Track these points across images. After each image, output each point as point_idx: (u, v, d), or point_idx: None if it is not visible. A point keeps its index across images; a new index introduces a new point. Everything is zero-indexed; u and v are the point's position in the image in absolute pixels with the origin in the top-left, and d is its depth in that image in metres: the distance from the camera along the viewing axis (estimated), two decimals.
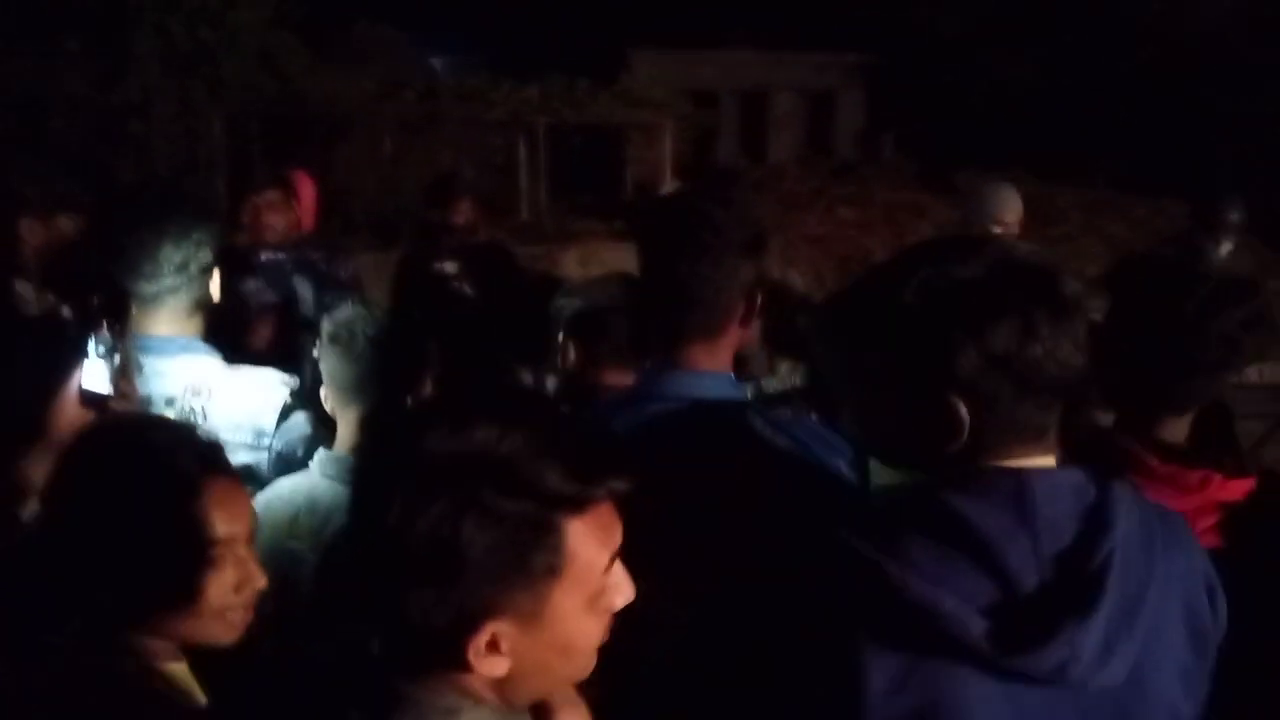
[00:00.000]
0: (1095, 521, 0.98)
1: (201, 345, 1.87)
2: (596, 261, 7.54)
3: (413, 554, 0.80)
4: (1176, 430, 1.48)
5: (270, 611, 1.59)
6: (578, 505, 0.84)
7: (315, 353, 3.21)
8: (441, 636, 0.82)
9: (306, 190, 3.60)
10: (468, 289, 4.73)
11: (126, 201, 2.08)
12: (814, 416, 1.50)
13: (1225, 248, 4.52)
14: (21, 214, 2.22)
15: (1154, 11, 8.90)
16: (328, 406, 1.87)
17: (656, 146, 9.90)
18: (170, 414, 1.78)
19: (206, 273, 1.85)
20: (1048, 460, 1.03)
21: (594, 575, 0.86)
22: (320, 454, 1.78)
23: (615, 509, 0.89)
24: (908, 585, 0.92)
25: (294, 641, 1.56)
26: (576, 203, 10.07)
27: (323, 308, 2.78)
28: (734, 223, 1.43)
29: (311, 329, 3.40)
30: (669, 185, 3.25)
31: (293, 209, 3.46)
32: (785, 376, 3.11)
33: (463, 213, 4.68)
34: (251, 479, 1.82)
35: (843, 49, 14.49)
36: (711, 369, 1.48)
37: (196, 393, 1.80)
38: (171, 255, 1.78)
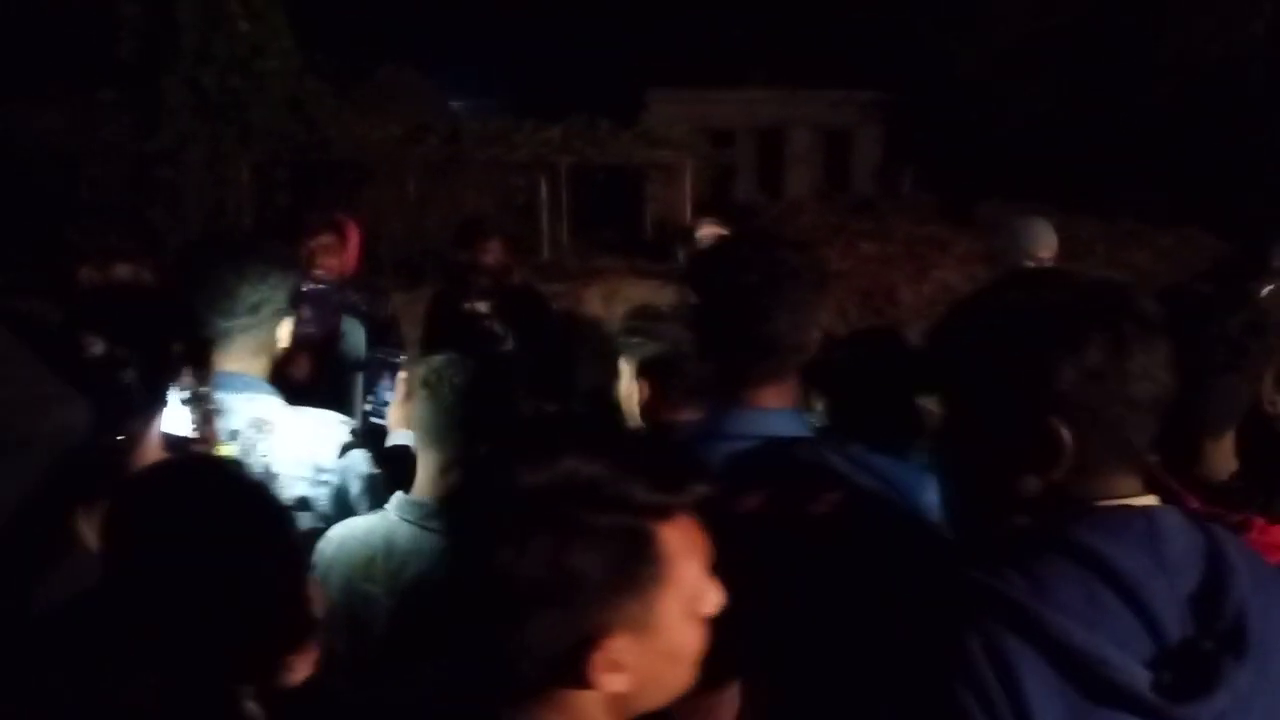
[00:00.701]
0: (1217, 563, 0.97)
1: (265, 385, 1.89)
2: (620, 298, 7.57)
3: (529, 585, 0.83)
4: (1219, 458, 1.42)
5: (342, 651, 1.59)
6: (665, 513, 0.89)
7: (362, 394, 3.24)
8: (562, 660, 0.85)
9: (353, 235, 3.68)
10: (499, 328, 4.78)
11: (212, 241, 2.12)
12: None
13: (1265, 290, 4.50)
14: (80, 264, 2.26)
15: (1173, 45, 8.96)
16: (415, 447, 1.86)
17: (677, 185, 9.99)
18: (234, 448, 1.80)
19: (278, 316, 1.88)
20: (1150, 496, 1.03)
21: (690, 580, 0.90)
22: (398, 497, 1.78)
23: (696, 518, 0.93)
24: (1070, 634, 0.91)
25: (364, 682, 1.57)
26: (597, 240, 10.15)
27: (376, 351, 2.80)
28: (810, 265, 1.44)
29: (361, 370, 3.45)
30: (707, 226, 3.28)
31: (343, 252, 3.53)
32: (824, 413, 3.12)
33: (492, 252, 4.72)
34: (308, 510, 1.85)
35: (859, 86, 14.65)
36: (779, 407, 1.48)
37: (259, 429, 1.83)
38: (248, 295, 1.82)
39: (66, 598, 1.35)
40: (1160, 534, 0.97)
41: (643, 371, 1.95)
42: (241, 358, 1.84)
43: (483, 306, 4.71)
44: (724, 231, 3.45)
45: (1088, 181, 8.98)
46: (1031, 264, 3.97)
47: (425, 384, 1.74)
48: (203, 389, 1.45)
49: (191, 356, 1.47)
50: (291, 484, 1.84)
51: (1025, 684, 0.91)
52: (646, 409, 1.98)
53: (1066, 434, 0.97)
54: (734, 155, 13.85)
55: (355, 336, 3.41)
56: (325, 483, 1.86)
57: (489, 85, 15.28)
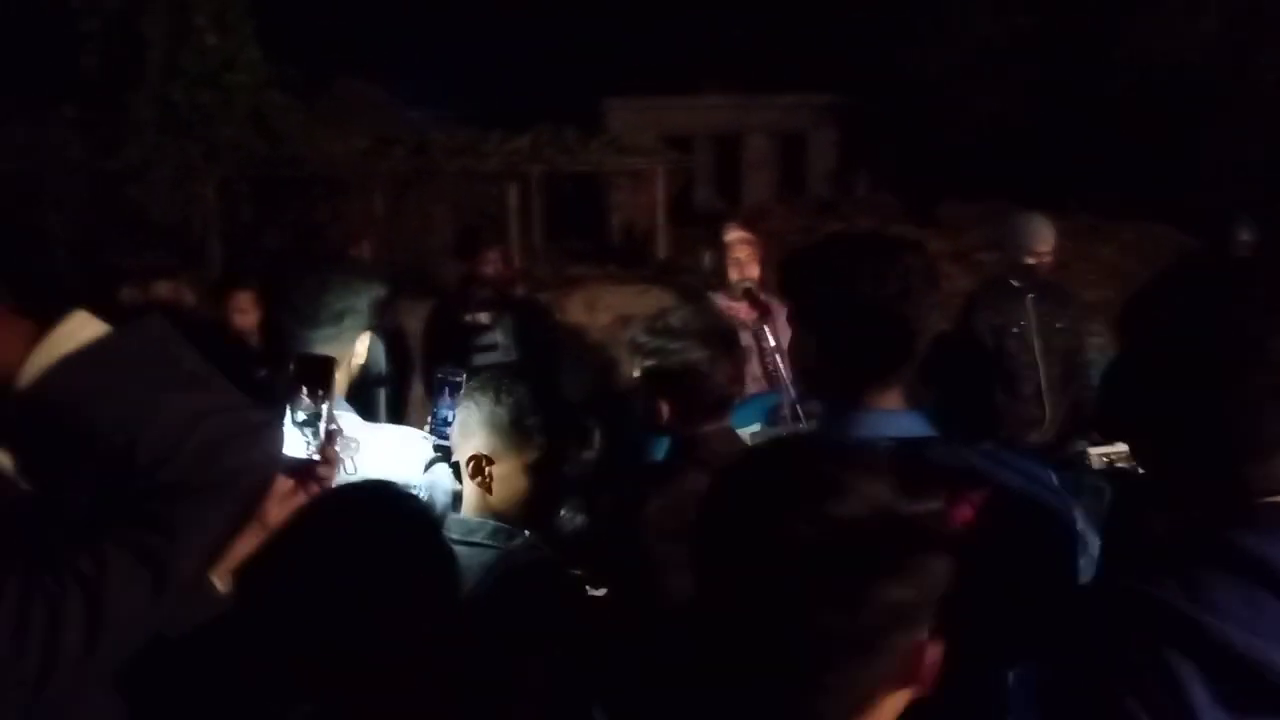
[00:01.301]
0: None
1: (343, 401, 1.86)
2: (602, 306, 7.57)
3: (897, 607, 0.82)
4: None
5: None
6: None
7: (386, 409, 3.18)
8: (898, 670, 0.84)
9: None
10: (500, 339, 4.75)
11: (298, 252, 2.09)
12: None
13: None
14: (121, 284, 2.21)
15: (1126, 45, 9.22)
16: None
17: (647, 191, 10.00)
18: None
19: (358, 329, 1.85)
20: None
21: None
22: (449, 518, 1.77)
23: None
24: (1230, 638, 0.92)
25: None
26: (567, 248, 10.12)
27: (438, 370, 2.77)
28: (931, 268, 1.45)
29: (382, 385, 3.39)
30: (734, 231, 3.28)
31: None
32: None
33: (491, 263, 4.71)
34: None
35: (813, 90, 14.85)
36: (901, 408, 1.48)
37: (344, 447, 1.79)
38: (332, 303, 1.80)
39: (192, 630, 1.31)
40: None
41: (661, 389, 1.94)
42: None
43: (484, 317, 4.69)
44: (750, 236, 3.47)
45: (1046, 179, 9.17)
46: (1031, 259, 4.06)
47: (470, 400, 1.74)
48: (322, 408, 1.40)
49: (306, 374, 1.42)
50: None
51: (1189, 691, 0.92)
52: (667, 425, 1.97)
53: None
54: (692, 161, 13.92)
55: (375, 351, 3.36)
56: None
57: (444, 97, 15.13)
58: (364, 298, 1.85)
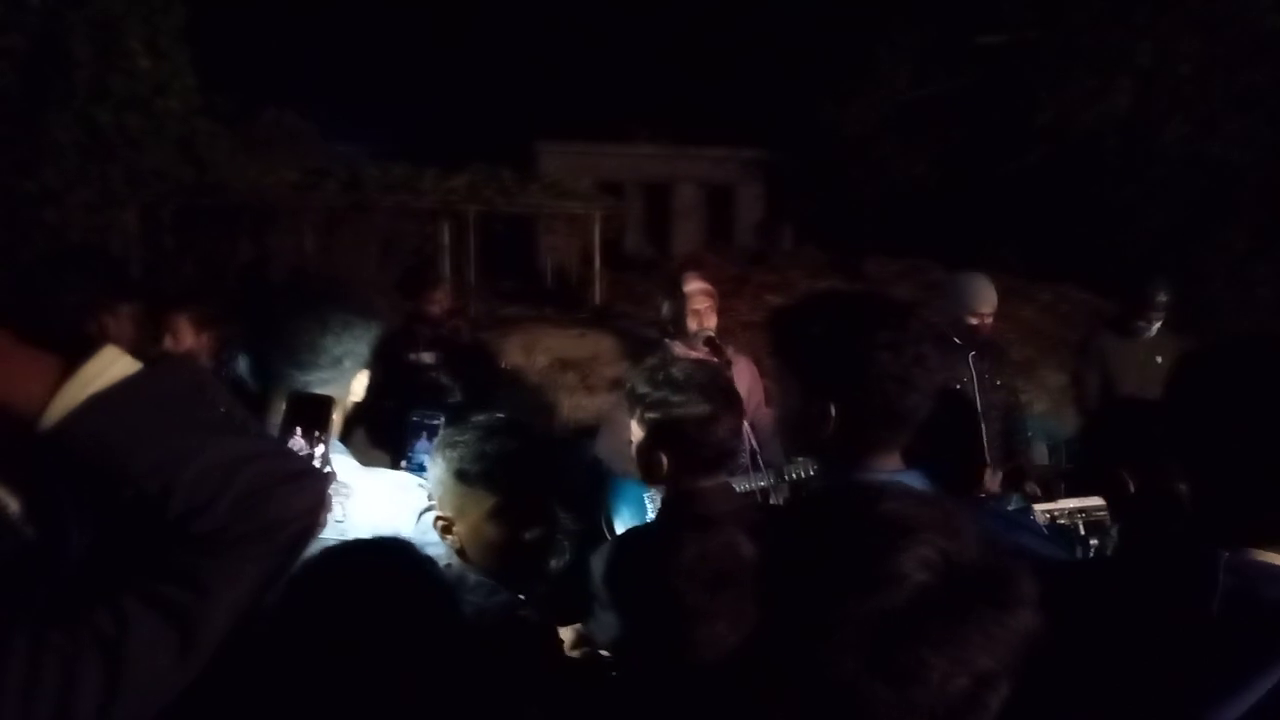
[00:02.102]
0: None
1: (339, 444, 1.77)
2: (540, 349, 7.52)
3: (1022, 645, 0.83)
4: None
5: None
6: None
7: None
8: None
9: None
10: (445, 380, 4.67)
11: (292, 288, 2.01)
12: None
13: (1155, 326, 4.87)
14: (95, 311, 2.10)
15: (1045, 114, 9.69)
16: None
17: (580, 235, 10.03)
18: None
19: (357, 369, 1.77)
20: None
21: None
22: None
23: None
24: None
25: None
26: (500, 290, 10.07)
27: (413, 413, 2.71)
28: (934, 328, 1.47)
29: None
30: (694, 281, 3.28)
31: None
32: (804, 463, 3.16)
33: (438, 302, 4.65)
34: None
35: (741, 144, 15.19)
36: (902, 468, 1.49)
37: (336, 491, 1.71)
38: (331, 347, 1.69)
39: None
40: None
41: (661, 442, 1.92)
42: None
43: (428, 357, 4.61)
44: (709, 287, 3.49)
45: (966, 240, 9.51)
46: (973, 320, 4.17)
47: (439, 451, 1.72)
48: (316, 450, 1.34)
49: (301, 414, 1.35)
50: None
51: None
52: (670, 480, 1.96)
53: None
54: (625, 208, 14.04)
55: None
56: None
57: (372, 132, 14.98)
58: (364, 341, 1.77)
